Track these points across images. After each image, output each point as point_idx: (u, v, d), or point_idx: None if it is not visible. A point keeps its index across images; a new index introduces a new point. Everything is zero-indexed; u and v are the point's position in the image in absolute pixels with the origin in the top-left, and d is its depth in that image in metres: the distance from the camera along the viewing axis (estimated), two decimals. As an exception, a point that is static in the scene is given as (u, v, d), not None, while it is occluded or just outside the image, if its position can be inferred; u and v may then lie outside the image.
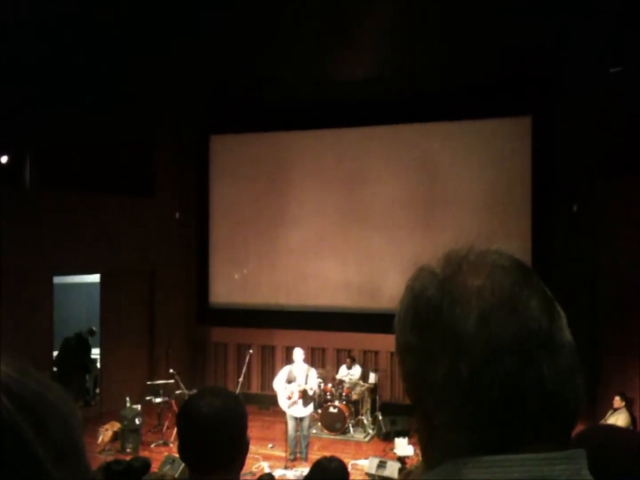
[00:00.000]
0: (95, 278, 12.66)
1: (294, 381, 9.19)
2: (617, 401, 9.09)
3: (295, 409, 9.23)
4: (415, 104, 11.80)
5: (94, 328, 12.83)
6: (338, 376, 11.17)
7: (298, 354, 9.39)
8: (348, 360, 11.39)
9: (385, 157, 12.24)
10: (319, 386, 10.07)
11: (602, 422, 8.37)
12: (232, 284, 13.27)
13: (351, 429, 10.57)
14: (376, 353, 12.00)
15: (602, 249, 10.04)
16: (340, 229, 12.44)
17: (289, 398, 9.16)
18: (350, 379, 11.00)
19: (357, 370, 11.26)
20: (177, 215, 12.96)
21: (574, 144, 10.58)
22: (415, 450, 8.81)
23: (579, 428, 1.22)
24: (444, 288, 0.70)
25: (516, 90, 11.16)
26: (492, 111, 11.56)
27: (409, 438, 9.24)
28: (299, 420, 9.30)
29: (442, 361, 0.67)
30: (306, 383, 9.20)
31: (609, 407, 9.22)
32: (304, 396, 9.18)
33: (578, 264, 10.39)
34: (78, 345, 12.95)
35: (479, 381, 0.65)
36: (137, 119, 11.94)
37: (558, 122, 11.07)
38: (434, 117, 11.90)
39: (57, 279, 11.47)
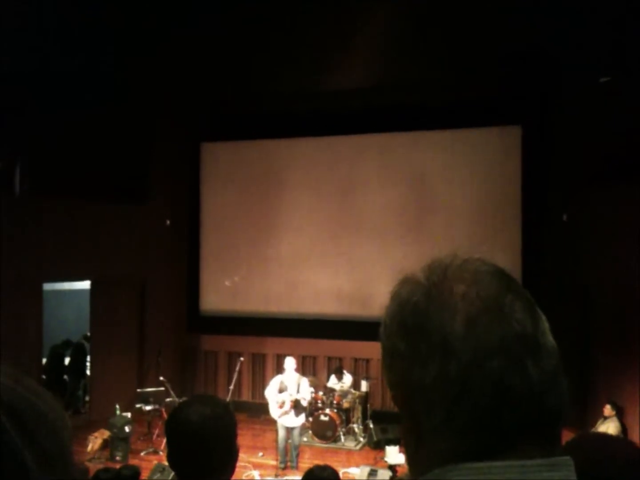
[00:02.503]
0: (84, 285, 12.57)
1: (286, 390, 9.16)
2: (608, 409, 9.10)
3: (286, 419, 9.19)
4: (407, 112, 11.84)
5: (88, 334, 12.75)
6: (329, 384, 11.14)
7: (290, 363, 9.35)
8: (337, 374, 11.25)
9: (376, 165, 12.26)
10: (310, 394, 10.04)
11: (593, 430, 8.38)
12: (222, 291, 13.23)
13: (342, 437, 10.54)
14: (367, 361, 11.97)
15: (596, 257, 10.04)
16: (332, 236, 12.43)
17: (281, 407, 9.12)
18: (342, 387, 10.97)
19: (347, 379, 11.23)
20: (168, 222, 12.92)
21: (566, 152, 10.61)
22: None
23: (570, 436, 1.22)
24: (430, 294, 0.71)
25: (507, 99, 11.22)
26: (483, 120, 11.60)
27: (400, 446, 9.21)
28: (290, 429, 9.26)
29: (431, 365, 0.68)
30: (298, 392, 9.16)
31: (600, 416, 9.23)
32: (296, 406, 9.14)
33: (571, 272, 10.39)
34: (75, 352, 12.88)
35: (467, 384, 0.66)
36: (130, 126, 11.91)
37: (549, 131, 11.12)
38: (425, 126, 11.93)
39: (47, 285, 11.39)
